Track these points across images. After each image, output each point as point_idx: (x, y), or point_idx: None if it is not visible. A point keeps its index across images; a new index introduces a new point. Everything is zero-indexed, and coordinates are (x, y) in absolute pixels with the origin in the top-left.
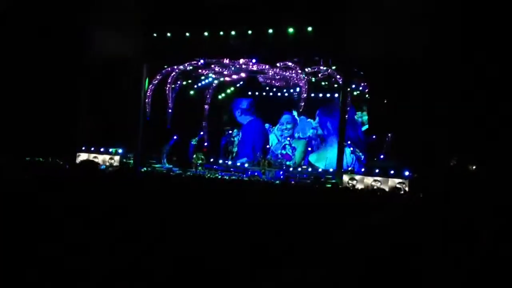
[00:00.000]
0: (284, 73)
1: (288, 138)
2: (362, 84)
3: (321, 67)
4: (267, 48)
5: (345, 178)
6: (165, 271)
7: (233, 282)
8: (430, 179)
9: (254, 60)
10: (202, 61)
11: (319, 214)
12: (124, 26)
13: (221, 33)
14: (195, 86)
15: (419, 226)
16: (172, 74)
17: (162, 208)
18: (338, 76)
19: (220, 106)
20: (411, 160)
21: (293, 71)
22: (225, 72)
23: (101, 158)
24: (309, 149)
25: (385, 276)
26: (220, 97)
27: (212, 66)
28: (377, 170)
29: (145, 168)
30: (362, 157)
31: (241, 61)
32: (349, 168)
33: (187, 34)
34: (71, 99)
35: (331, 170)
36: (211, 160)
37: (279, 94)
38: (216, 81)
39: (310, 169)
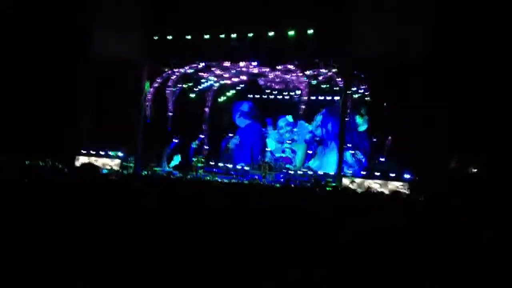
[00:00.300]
0: (285, 76)
1: (288, 142)
2: (362, 87)
3: (322, 70)
4: (267, 51)
5: (345, 181)
6: (165, 271)
7: (233, 282)
8: (430, 182)
9: (254, 63)
10: (202, 64)
11: (318, 215)
12: (124, 28)
13: (222, 36)
14: (196, 89)
15: (419, 227)
16: (173, 77)
17: (162, 209)
18: (338, 79)
19: (221, 109)
20: (411, 163)
21: (294, 74)
22: (226, 75)
23: (101, 162)
24: (309, 152)
25: (385, 276)
26: (220, 100)
27: (213, 69)
28: (377, 173)
29: (145, 172)
30: (363, 160)
31: (242, 64)
32: (349, 171)
33: (188, 37)
34: (71, 102)
35: (331, 173)
36: (211, 163)
37: (279, 97)
38: (216, 84)
39: (310, 172)
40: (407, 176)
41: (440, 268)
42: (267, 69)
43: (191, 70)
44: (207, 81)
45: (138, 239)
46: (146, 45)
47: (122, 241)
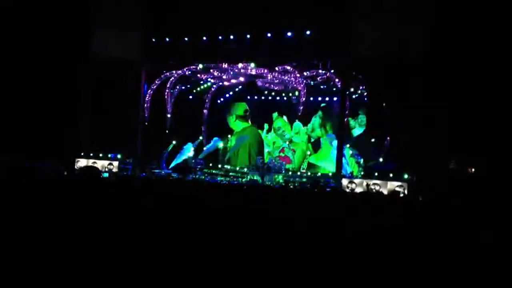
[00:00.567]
0: (283, 77)
1: (287, 142)
2: (360, 88)
3: (320, 71)
4: (265, 52)
5: (344, 181)
6: (165, 271)
7: (233, 282)
8: (430, 182)
9: (252, 64)
10: (200, 65)
11: (318, 216)
12: (124, 28)
13: (220, 37)
14: (194, 91)
15: (418, 227)
16: (171, 79)
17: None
18: (336, 80)
19: (219, 111)
20: (410, 163)
21: (292, 75)
22: (224, 77)
23: (100, 164)
24: (308, 152)
25: (385, 276)
26: (219, 101)
27: (211, 70)
28: (376, 173)
29: (144, 174)
30: (361, 160)
31: (240, 65)
32: (349, 172)
33: (186, 38)
34: (71, 102)
35: (330, 174)
36: (210, 164)
37: (277, 98)
38: (215, 86)
39: (309, 173)
40: (406, 176)
41: (440, 268)
42: (265, 70)
43: (189, 72)
44: (205, 83)
45: (137, 239)
46: (145, 46)
47: (121, 241)
